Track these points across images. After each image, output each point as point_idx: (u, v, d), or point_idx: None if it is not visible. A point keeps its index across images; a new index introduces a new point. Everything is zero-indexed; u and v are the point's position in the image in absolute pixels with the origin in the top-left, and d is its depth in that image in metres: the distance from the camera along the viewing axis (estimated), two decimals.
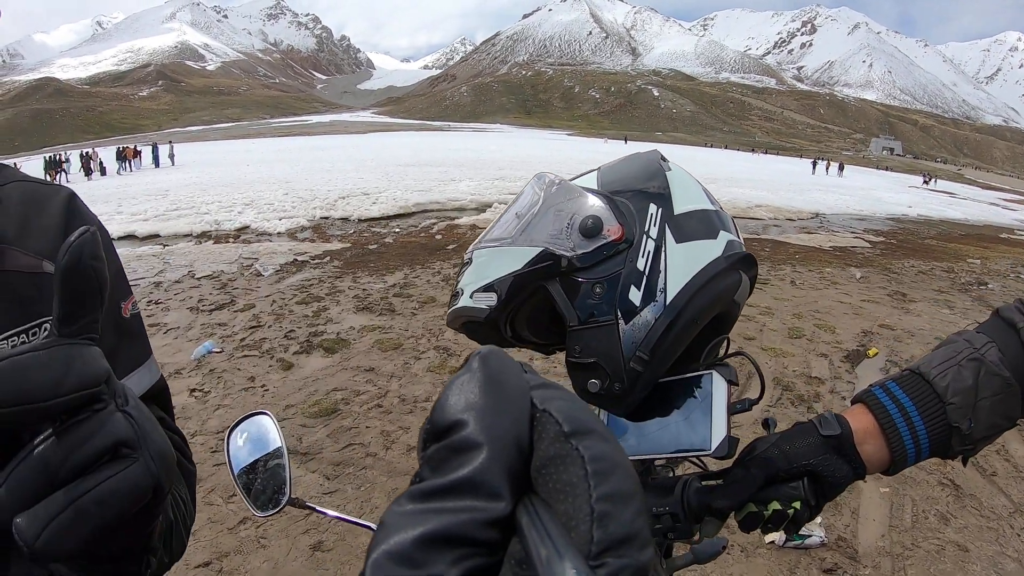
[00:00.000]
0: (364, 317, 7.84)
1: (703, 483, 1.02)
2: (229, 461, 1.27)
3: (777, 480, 1.02)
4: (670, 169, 1.07)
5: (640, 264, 0.97)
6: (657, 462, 1.14)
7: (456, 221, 15.84)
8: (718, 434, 0.95)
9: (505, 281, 1.02)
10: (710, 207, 1.06)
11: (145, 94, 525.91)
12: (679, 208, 1.02)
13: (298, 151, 51.52)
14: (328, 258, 11.59)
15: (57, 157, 46.07)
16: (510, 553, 0.36)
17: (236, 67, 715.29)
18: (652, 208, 1.01)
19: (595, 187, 1.06)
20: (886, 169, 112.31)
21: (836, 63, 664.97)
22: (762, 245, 14.49)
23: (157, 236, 14.34)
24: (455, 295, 1.08)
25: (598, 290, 0.97)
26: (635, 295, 0.97)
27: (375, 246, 12.91)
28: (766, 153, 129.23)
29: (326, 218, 16.45)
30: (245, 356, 6.53)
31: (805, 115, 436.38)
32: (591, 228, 0.97)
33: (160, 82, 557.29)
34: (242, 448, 1.27)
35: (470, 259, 1.06)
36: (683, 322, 0.98)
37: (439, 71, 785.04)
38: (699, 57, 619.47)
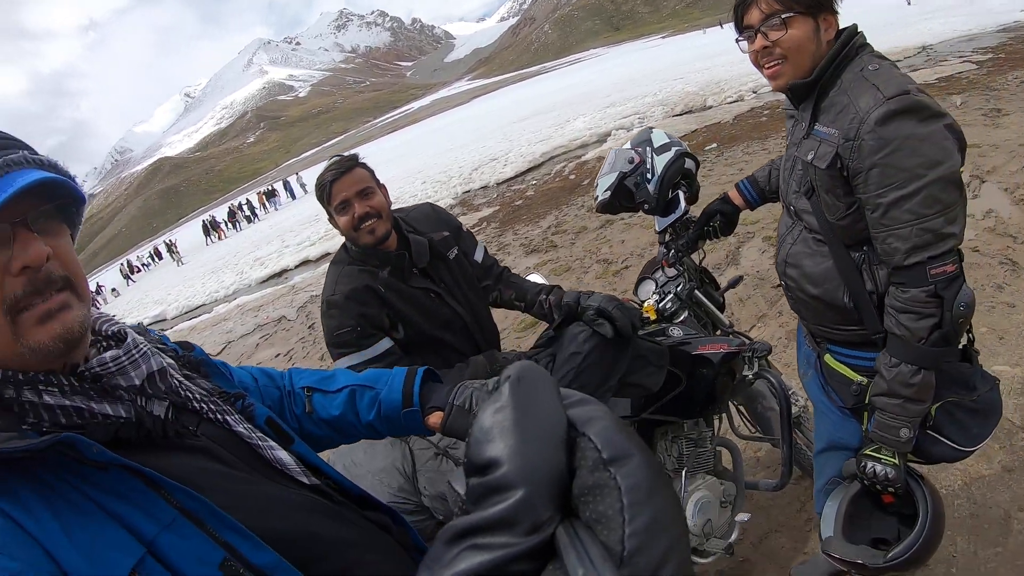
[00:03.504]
0: (535, 257, 9.22)
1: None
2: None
3: (711, 218, 2.86)
4: (653, 131, 2.90)
5: (648, 164, 2.80)
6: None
7: (584, 158, 16.50)
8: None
9: (611, 184, 2.85)
10: (668, 140, 2.86)
11: (252, 140, 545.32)
12: (655, 144, 2.85)
13: (415, 140, 53.38)
14: (484, 224, 12.95)
15: (213, 219, 50.61)
16: None
17: (325, 85, 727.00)
18: (647, 149, 2.84)
19: (628, 146, 2.89)
20: None
21: None
22: None
23: (329, 255, 16.24)
24: (595, 197, 2.94)
25: (638, 178, 2.81)
26: (647, 176, 2.81)
27: (520, 202, 14.13)
28: None
29: (468, 191, 17.91)
30: None
31: None
32: (630, 161, 2.83)
33: (262, 124, 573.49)
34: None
35: (597, 182, 2.89)
36: (668, 176, 2.80)
37: (517, 18, 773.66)
38: None
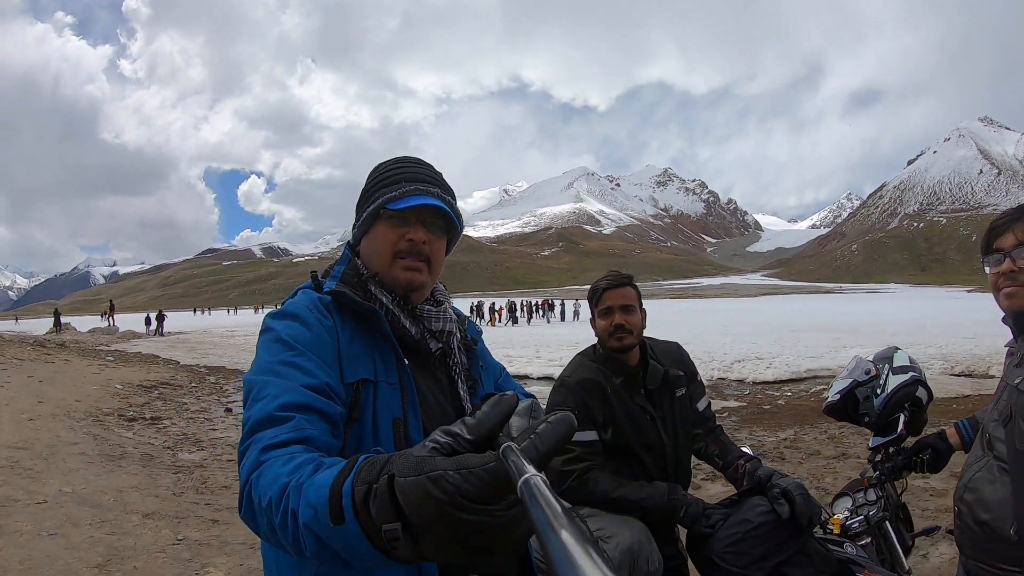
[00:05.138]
0: None
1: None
2: None
3: (922, 450, 2.93)
4: (898, 351, 3.10)
5: (881, 380, 3.02)
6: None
7: None
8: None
9: (843, 389, 3.12)
10: (909, 364, 3.05)
11: (547, 254, 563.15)
12: (895, 364, 3.05)
13: (692, 313, 53.88)
14: (727, 414, 13.15)
15: (493, 305, 55.82)
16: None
17: (629, 231, 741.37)
18: (886, 366, 3.03)
19: (871, 358, 3.13)
20: None
21: None
22: None
23: None
24: (826, 398, 3.24)
25: (868, 391, 3.02)
26: (877, 391, 3.00)
27: (768, 407, 14.22)
28: None
29: (723, 379, 18.22)
30: None
31: None
32: (866, 372, 3.06)
33: (560, 243, 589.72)
34: None
35: (832, 384, 3.23)
36: (896, 397, 2.96)
37: (827, 229, 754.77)
38: None
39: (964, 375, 17.20)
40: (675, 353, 3.26)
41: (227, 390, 17.84)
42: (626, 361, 3.00)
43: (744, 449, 3.14)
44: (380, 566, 1.03)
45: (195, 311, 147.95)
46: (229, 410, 14.11)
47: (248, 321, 75.43)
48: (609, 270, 3.19)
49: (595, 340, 3.11)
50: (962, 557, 2.44)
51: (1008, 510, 2.14)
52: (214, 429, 12.03)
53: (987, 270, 2.36)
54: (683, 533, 2.88)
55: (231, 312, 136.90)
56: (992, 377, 16.52)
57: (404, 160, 1.84)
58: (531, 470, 0.75)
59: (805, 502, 2.43)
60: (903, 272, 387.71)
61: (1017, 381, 2.19)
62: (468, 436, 0.93)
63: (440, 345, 1.78)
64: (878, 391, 3.02)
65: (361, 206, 1.81)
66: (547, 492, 0.70)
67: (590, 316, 3.14)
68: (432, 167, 1.84)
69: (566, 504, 0.69)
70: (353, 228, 1.85)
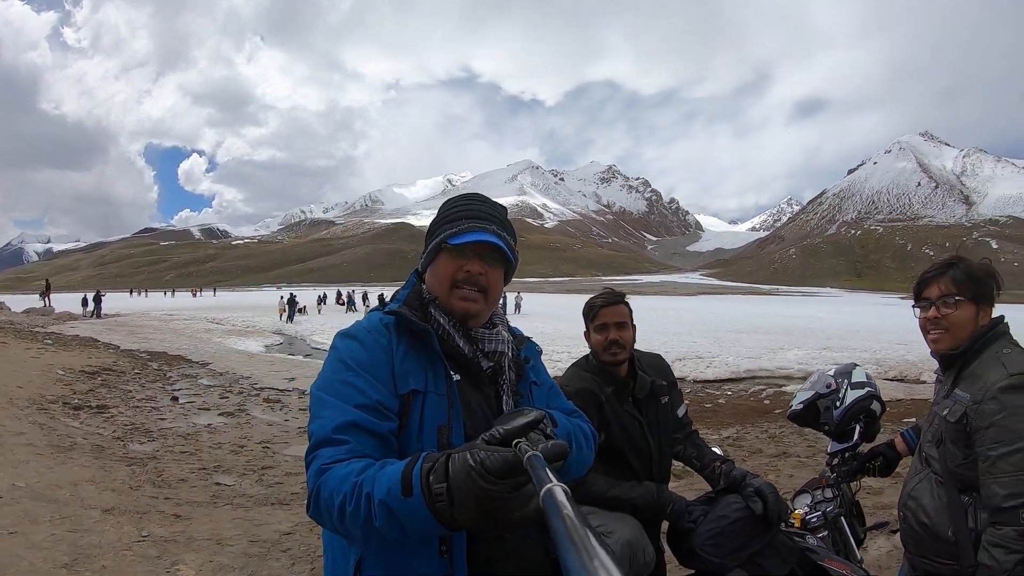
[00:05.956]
0: None
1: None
2: None
3: (875, 458, 3.31)
4: (856, 368, 3.44)
5: (840, 393, 3.36)
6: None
7: (784, 388, 16.64)
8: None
9: (806, 399, 3.45)
10: (865, 380, 3.40)
11: None
12: (853, 379, 3.39)
13: (633, 310, 54.64)
14: None
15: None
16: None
17: (571, 226, 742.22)
18: (845, 381, 3.38)
19: (832, 372, 3.48)
20: None
21: None
22: None
23: None
24: (791, 405, 3.53)
25: (828, 402, 3.37)
26: (836, 403, 3.36)
27: (710, 405, 14.73)
28: None
29: None
30: None
31: None
32: (827, 386, 3.40)
33: None
34: None
35: (796, 394, 3.55)
36: (853, 410, 3.30)
37: (767, 232, 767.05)
38: None
39: (897, 380, 17.79)
40: (657, 364, 3.53)
41: (171, 377, 17.59)
42: (617, 372, 3.24)
43: (716, 450, 3.45)
44: (431, 531, 1.45)
45: (131, 292, 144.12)
46: (176, 399, 13.91)
47: (187, 305, 73.36)
48: (604, 287, 3.47)
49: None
50: (906, 553, 2.84)
51: (945, 515, 2.56)
52: (163, 419, 11.87)
53: (917, 314, 2.74)
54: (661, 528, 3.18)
55: (168, 294, 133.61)
56: (923, 383, 17.16)
57: (468, 197, 2.07)
58: (553, 480, 0.95)
59: (776, 500, 2.76)
60: (839, 277, 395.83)
61: (945, 412, 2.58)
62: (499, 435, 1.40)
63: (491, 364, 1.98)
64: (837, 403, 3.36)
65: (428, 239, 2.04)
66: (567, 503, 0.83)
67: (584, 330, 3.35)
68: (495, 205, 2.07)
69: (584, 513, 0.80)
70: (421, 257, 2.08)
